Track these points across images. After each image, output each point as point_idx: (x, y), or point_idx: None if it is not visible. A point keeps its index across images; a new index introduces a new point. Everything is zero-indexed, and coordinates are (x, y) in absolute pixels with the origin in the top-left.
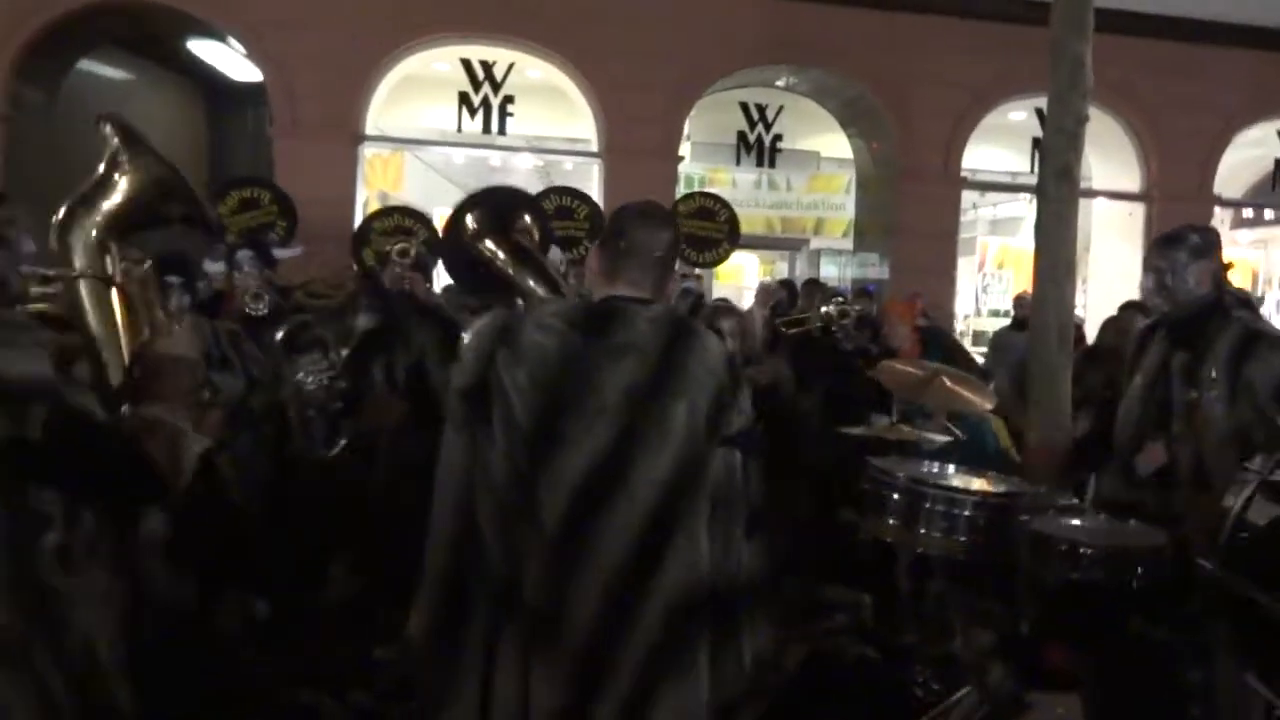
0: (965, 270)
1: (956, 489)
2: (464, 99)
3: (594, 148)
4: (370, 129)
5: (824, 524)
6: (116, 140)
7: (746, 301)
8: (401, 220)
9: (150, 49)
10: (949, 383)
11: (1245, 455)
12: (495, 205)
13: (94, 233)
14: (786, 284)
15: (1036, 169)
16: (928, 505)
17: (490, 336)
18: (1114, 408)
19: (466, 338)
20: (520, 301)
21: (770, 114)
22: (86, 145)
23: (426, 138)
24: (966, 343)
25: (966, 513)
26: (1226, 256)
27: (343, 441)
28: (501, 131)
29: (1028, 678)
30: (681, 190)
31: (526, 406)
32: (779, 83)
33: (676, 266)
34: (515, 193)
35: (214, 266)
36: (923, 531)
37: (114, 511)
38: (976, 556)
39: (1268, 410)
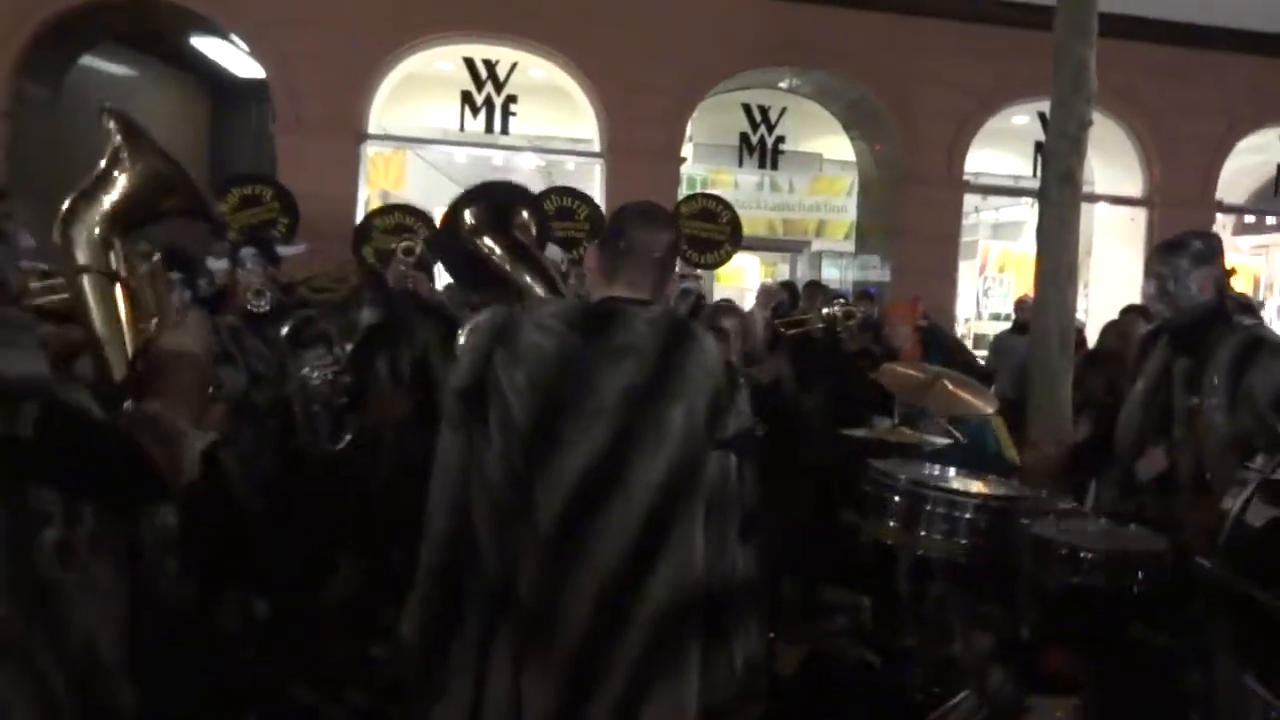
0: (967, 273)
1: (958, 492)
2: (467, 98)
3: (596, 148)
4: (373, 127)
5: (824, 526)
6: (118, 134)
7: (748, 303)
8: (403, 218)
9: (153, 45)
10: (950, 386)
11: (1246, 461)
12: (493, 201)
13: (97, 228)
14: (788, 286)
15: (1039, 173)
16: (928, 508)
17: (488, 337)
18: (1115, 412)
19: (463, 336)
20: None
21: (773, 116)
22: (89, 141)
23: (429, 136)
24: (967, 346)
25: (967, 516)
26: (1228, 262)
27: (348, 436)
28: (504, 131)
29: (1027, 682)
30: (684, 191)
31: (524, 407)
32: (782, 84)
33: (677, 268)
34: (513, 188)
35: (218, 263)
36: (923, 534)
37: (115, 509)
38: (977, 560)
39: (1267, 418)
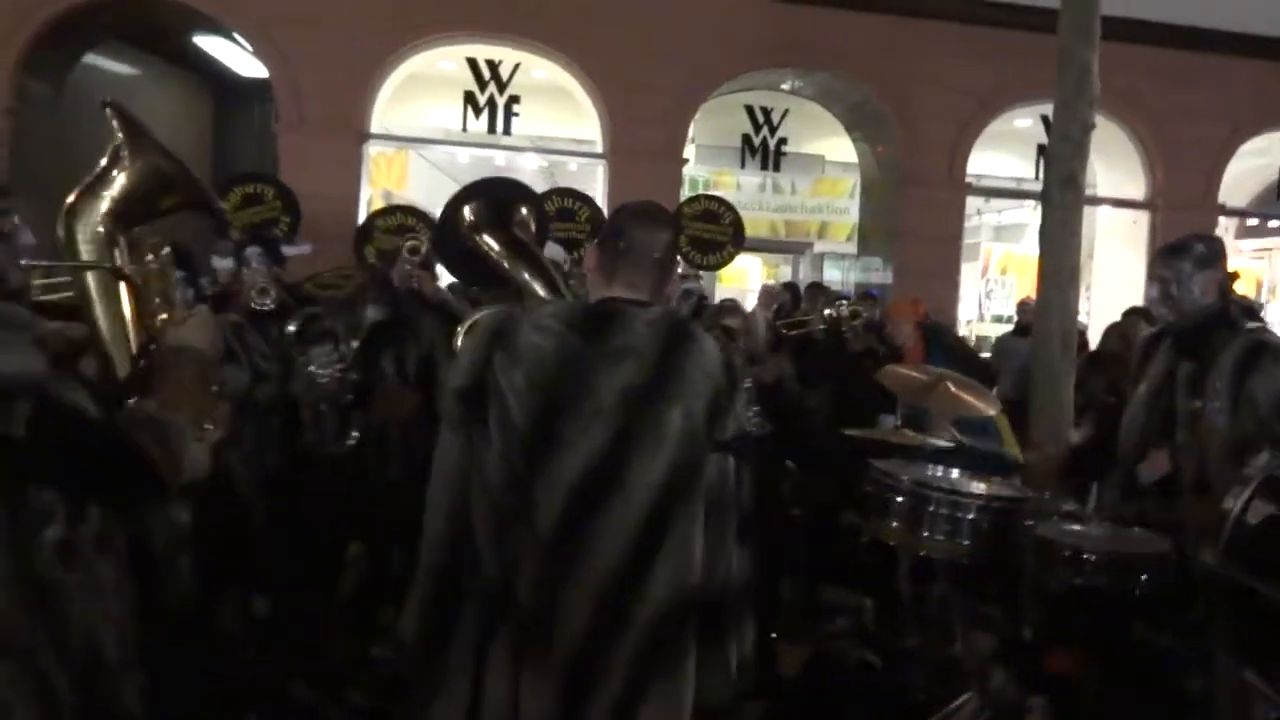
0: (969, 276)
1: (961, 492)
2: (469, 98)
3: (599, 149)
4: (375, 127)
5: (825, 526)
6: (120, 131)
7: (750, 304)
8: (405, 219)
9: (156, 44)
10: (953, 388)
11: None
12: (493, 198)
13: (100, 224)
14: (790, 287)
15: (1041, 175)
16: (931, 508)
17: (487, 337)
18: (1117, 414)
19: (461, 336)
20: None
21: (775, 117)
22: (92, 139)
23: (431, 137)
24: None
25: (970, 516)
26: (1231, 266)
27: (355, 434)
28: (506, 131)
29: (1030, 683)
30: (686, 193)
31: (523, 408)
32: (784, 86)
33: (680, 268)
34: (512, 184)
35: (223, 262)
36: (926, 535)
37: (116, 507)
38: (979, 560)
39: (1269, 423)
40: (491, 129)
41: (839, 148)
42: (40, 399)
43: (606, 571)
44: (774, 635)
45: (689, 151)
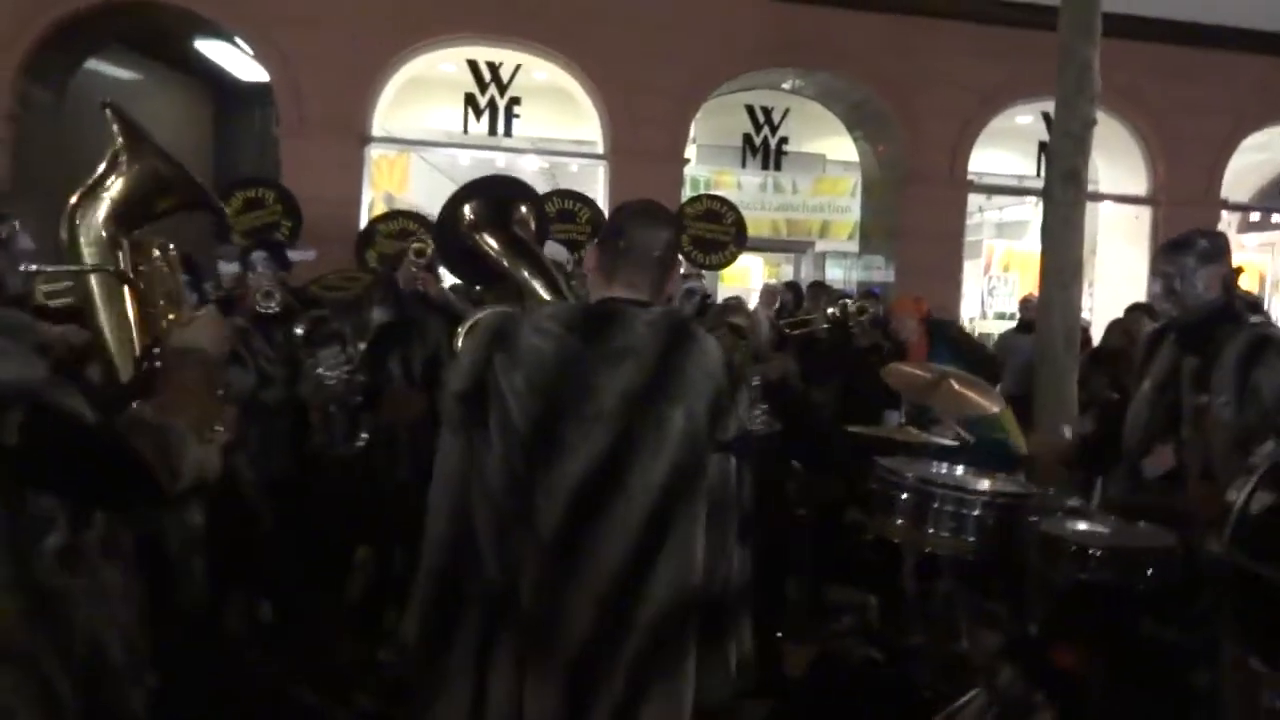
0: (971, 273)
1: (965, 489)
2: (470, 100)
3: (600, 150)
4: (376, 130)
5: (830, 525)
6: (118, 131)
7: (752, 303)
8: (406, 224)
9: (158, 49)
10: (957, 385)
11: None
12: (492, 196)
13: (102, 227)
14: (792, 286)
15: (1043, 172)
16: (936, 505)
17: (488, 338)
18: (1120, 410)
19: (461, 338)
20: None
21: (776, 117)
22: (94, 145)
23: (432, 139)
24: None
25: (975, 513)
26: (1234, 261)
27: (364, 436)
28: (507, 133)
29: (1037, 679)
30: (687, 193)
31: (524, 411)
32: (785, 86)
33: (683, 268)
34: (512, 182)
35: (229, 267)
36: (931, 531)
37: (117, 513)
38: (985, 557)
39: (1273, 415)
40: (492, 131)
41: (840, 147)
42: (34, 406)
43: (608, 573)
44: (779, 635)
45: (690, 151)
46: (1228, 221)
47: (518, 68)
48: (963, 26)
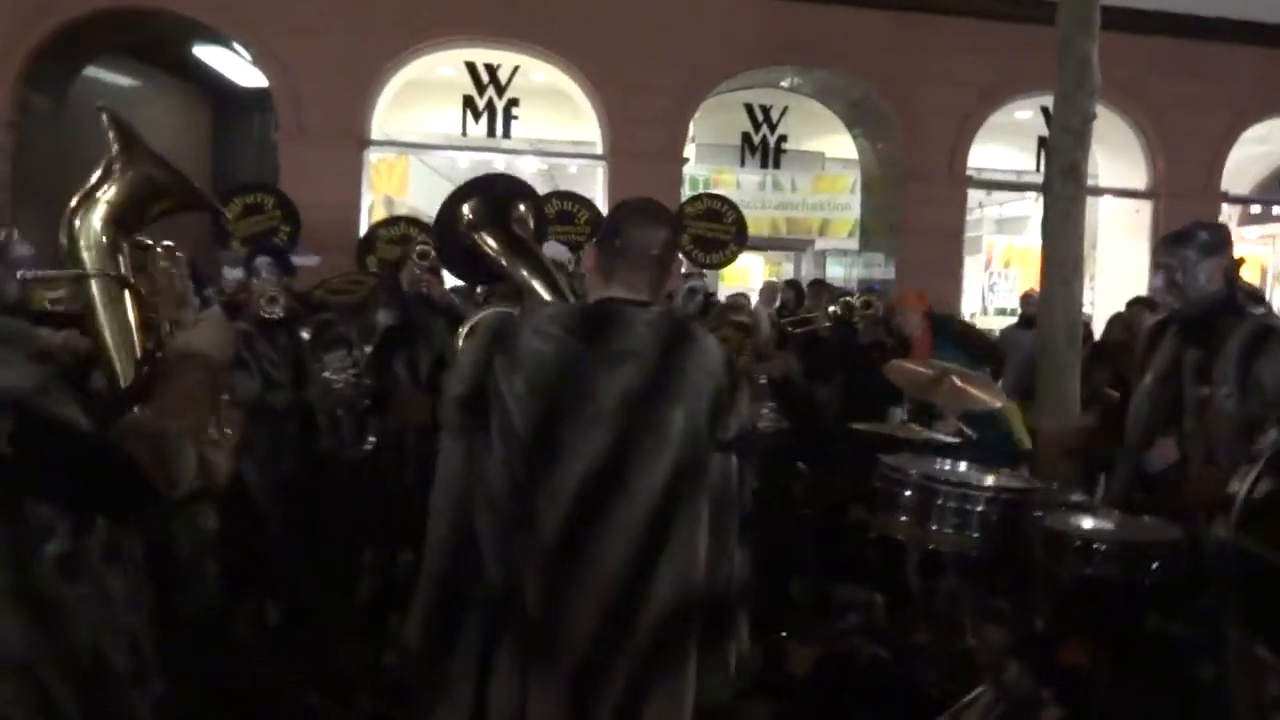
0: (971, 269)
1: (969, 485)
2: (468, 102)
3: (599, 150)
4: (375, 133)
5: (833, 523)
6: (112, 136)
7: (752, 302)
8: (408, 229)
9: (156, 55)
10: (958, 382)
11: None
12: (491, 195)
13: (102, 231)
14: (793, 285)
15: (1043, 167)
16: (939, 501)
17: (488, 339)
18: (1122, 407)
19: (461, 341)
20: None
21: (775, 115)
22: (94, 151)
23: (431, 142)
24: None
25: (979, 509)
26: (1235, 253)
27: (372, 439)
28: (506, 135)
29: (1044, 675)
30: (687, 192)
31: (524, 414)
32: (783, 84)
33: (685, 268)
34: (510, 180)
35: (233, 272)
36: (935, 528)
37: (116, 519)
38: (989, 553)
39: (1276, 406)
40: (491, 133)
41: (839, 144)
42: (23, 414)
43: (611, 577)
44: (784, 634)
45: (689, 151)
46: (1228, 214)
47: (515, 69)
48: (961, 22)
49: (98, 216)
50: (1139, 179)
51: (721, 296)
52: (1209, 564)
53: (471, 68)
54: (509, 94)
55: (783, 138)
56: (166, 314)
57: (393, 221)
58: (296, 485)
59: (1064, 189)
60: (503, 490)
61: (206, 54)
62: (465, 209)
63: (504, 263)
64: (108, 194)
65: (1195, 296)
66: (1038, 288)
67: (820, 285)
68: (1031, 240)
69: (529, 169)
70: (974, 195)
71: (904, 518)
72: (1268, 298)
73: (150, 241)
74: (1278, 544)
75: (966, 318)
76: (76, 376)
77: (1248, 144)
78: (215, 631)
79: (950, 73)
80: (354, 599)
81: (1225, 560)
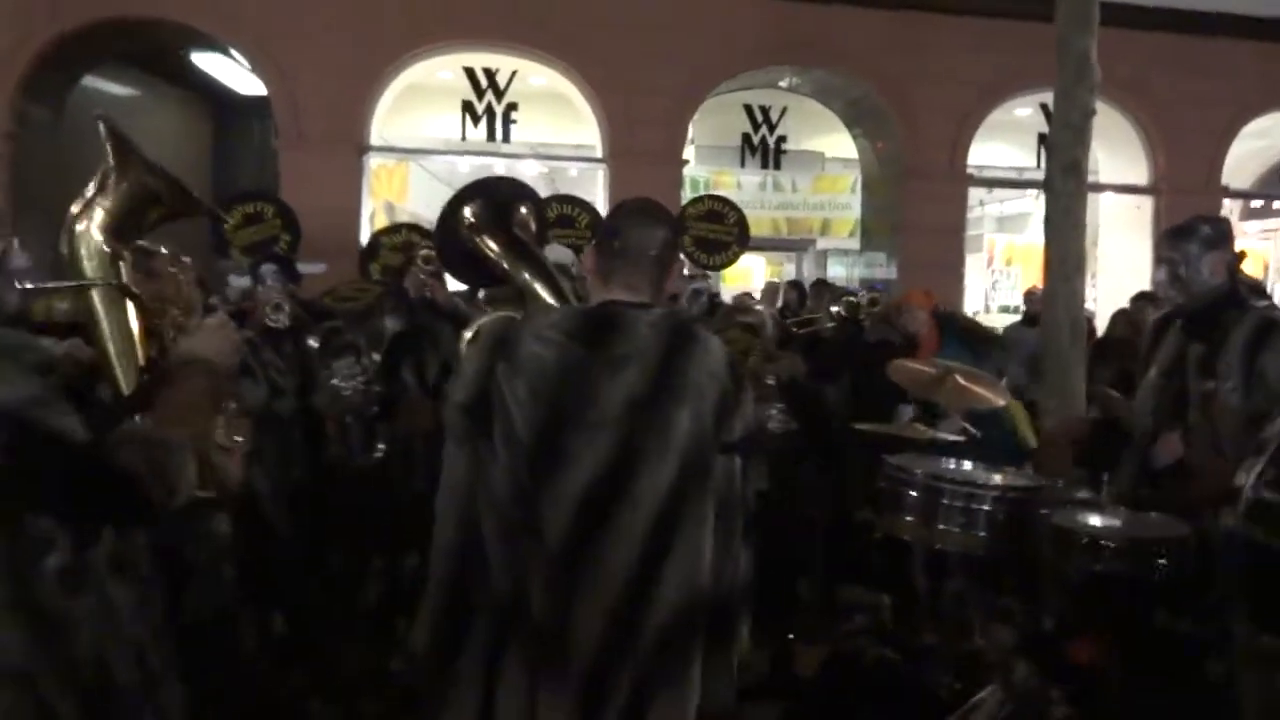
0: (973, 267)
1: (975, 484)
2: (468, 107)
3: (598, 153)
4: (375, 139)
5: (840, 524)
6: (108, 146)
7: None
8: (410, 236)
9: (155, 64)
10: (962, 381)
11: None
12: (492, 198)
13: (102, 241)
14: (796, 285)
15: (1043, 164)
16: (945, 501)
17: (490, 344)
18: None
19: (464, 346)
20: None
21: (774, 115)
22: (92, 162)
23: (431, 147)
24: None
25: (985, 508)
26: (1237, 247)
27: (382, 446)
28: (505, 139)
29: (1052, 674)
30: (687, 194)
31: (527, 420)
32: (782, 84)
33: (687, 269)
34: (512, 183)
35: (238, 281)
36: (941, 528)
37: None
38: (996, 552)
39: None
40: (490, 137)
41: (839, 144)
42: (18, 426)
43: (618, 582)
44: (791, 636)
45: (689, 152)
46: (1229, 209)
47: (514, 73)
48: (959, 20)
49: (97, 226)
50: (1140, 175)
51: (723, 297)
52: (1216, 559)
53: (470, 72)
54: (508, 98)
55: (782, 138)
56: (171, 319)
57: (395, 229)
58: (305, 493)
59: (1065, 186)
60: (507, 496)
61: (205, 62)
62: (467, 212)
63: (506, 266)
64: (105, 203)
65: (1198, 291)
66: (1040, 285)
67: (823, 285)
68: (1033, 237)
69: (529, 173)
70: (975, 193)
71: (910, 518)
72: (1270, 292)
73: (157, 247)
74: None
75: (969, 316)
76: (81, 387)
77: (1248, 139)
78: (228, 637)
79: (950, 71)
80: (361, 605)
81: (1233, 550)
